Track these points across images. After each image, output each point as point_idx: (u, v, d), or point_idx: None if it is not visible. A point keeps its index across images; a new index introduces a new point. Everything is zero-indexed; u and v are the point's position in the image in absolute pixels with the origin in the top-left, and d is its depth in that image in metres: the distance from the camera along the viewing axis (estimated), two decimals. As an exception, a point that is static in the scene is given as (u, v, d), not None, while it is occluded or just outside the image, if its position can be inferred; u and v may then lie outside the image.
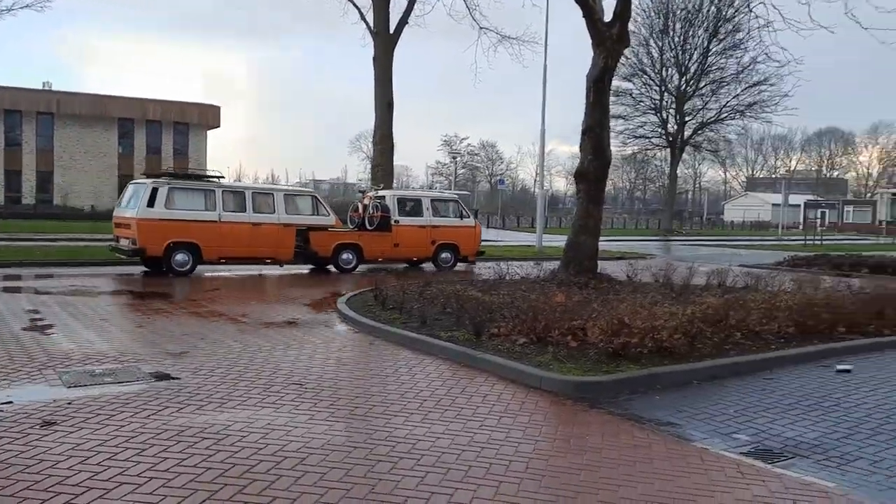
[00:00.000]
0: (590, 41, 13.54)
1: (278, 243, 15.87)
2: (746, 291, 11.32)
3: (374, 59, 23.35)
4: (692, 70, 46.93)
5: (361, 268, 17.16)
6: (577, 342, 7.92)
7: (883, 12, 12.57)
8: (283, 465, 4.55)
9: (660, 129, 48.90)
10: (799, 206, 75.70)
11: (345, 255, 16.78)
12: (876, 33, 13.06)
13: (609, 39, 13.25)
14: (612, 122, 47.02)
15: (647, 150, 53.77)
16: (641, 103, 48.07)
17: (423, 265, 18.74)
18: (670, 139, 48.39)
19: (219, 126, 48.89)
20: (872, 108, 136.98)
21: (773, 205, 73.97)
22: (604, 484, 4.51)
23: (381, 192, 18.52)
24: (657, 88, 47.93)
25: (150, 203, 14.53)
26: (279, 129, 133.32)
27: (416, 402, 6.11)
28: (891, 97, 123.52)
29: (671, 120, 48.21)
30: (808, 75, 60.14)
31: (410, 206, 17.97)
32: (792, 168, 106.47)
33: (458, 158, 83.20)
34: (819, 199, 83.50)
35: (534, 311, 8.43)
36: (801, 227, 59.71)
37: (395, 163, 24.36)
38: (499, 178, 71.67)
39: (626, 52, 44.91)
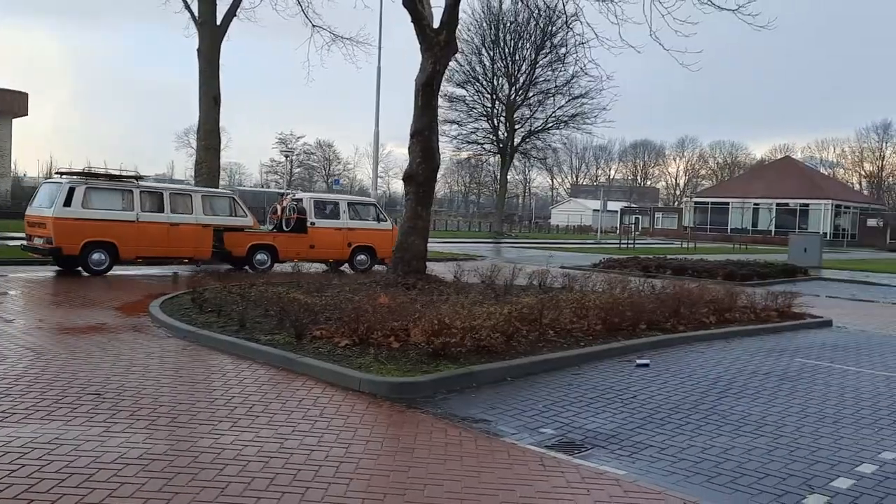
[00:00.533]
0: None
1: (196, 243, 16.21)
2: (562, 291, 11.95)
3: (199, 51, 22.25)
4: (521, 81, 49.04)
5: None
6: (400, 343, 7.97)
7: (681, 36, 13.76)
8: (67, 483, 4.18)
9: (491, 136, 50.65)
10: (616, 211, 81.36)
11: (259, 256, 17.14)
12: (676, 55, 14.25)
13: (437, 45, 13.50)
14: (447, 128, 48.38)
15: (479, 155, 55.58)
16: (474, 110, 49.60)
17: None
18: (501, 146, 50.25)
19: (27, 114, 44.61)
20: (679, 124, 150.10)
21: (594, 210, 78.87)
22: (411, 484, 4.55)
23: (299, 195, 19.12)
24: (489, 96, 49.63)
25: (67, 202, 14.68)
26: (98, 120, 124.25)
27: (226, 410, 5.86)
28: (694, 115, 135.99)
29: (502, 127, 50.08)
30: (626, 92, 64.81)
31: (328, 209, 18.37)
32: (611, 176, 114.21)
33: (294, 157, 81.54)
34: (633, 205, 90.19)
35: (357, 313, 8.38)
36: (617, 231, 64.08)
37: (226, 160, 23.50)
38: (335, 178, 71.07)
39: (460, 59, 46.30)
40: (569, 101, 48.32)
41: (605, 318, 9.88)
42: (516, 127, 49.83)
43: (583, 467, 5.02)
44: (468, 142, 50.89)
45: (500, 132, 50.10)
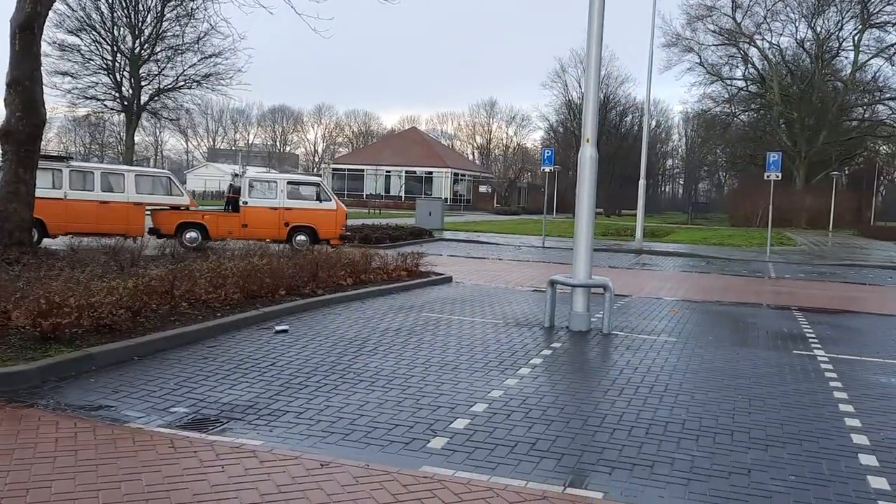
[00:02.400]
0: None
1: (127, 220, 17.01)
2: (196, 260, 11.33)
3: None
4: (147, 33, 45.18)
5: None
6: (-3, 328, 6.80)
7: (313, 1, 13.83)
8: None
9: (114, 92, 45.92)
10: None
11: (189, 234, 17.45)
12: (309, 20, 14.31)
13: (38, -19, 11.64)
14: (59, 80, 42.55)
15: (100, 112, 50.11)
16: (92, 62, 44.30)
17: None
18: (126, 103, 45.91)
19: None
20: (317, 92, 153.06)
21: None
22: (9, 492, 3.87)
23: (246, 175, 19.03)
24: (109, 48, 44.80)
25: None
26: None
27: None
28: (331, 82, 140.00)
29: (126, 83, 45.72)
30: (263, 55, 63.78)
31: (264, 188, 18.47)
32: (250, 141, 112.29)
33: None
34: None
35: (-65, 296, 6.92)
36: (258, 197, 63.56)
37: None
38: None
39: (72, 2, 41.00)
40: (201, 59, 45.81)
41: (244, 285, 9.64)
42: (143, 84, 45.87)
43: (218, 443, 4.79)
44: (86, 97, 45.32)
45: (124, 88, 45.67)
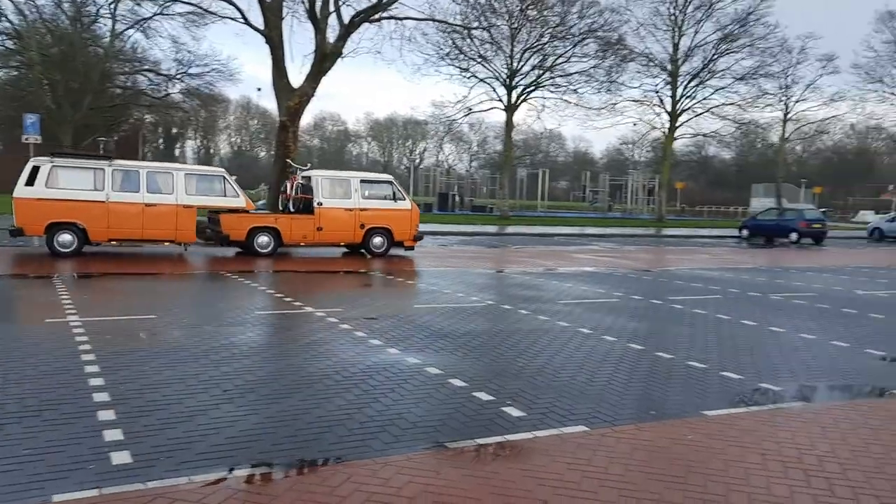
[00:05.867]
0: None
1: (176, 225, 15.58)
2: None
3: None
4: None
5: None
6: None
7: None
8: None
9: None
10: None
11: (261, 239, 16.66)
12: None
13: None
14: None
15: None
16: None
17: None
18: None
19: None
20: None
21: None
22: None
23: (307, 173, 17.93)
24: None
25: (30, 182, 14.90)
26: None
27: None
28: None
29: None
30: None
31: (337, 188, 17.35)
32: None
33: None
34: None
35: None
36: None
37: None
38: None
39: None
40: None
41: None
42: None
43: None
44: None
45: None
